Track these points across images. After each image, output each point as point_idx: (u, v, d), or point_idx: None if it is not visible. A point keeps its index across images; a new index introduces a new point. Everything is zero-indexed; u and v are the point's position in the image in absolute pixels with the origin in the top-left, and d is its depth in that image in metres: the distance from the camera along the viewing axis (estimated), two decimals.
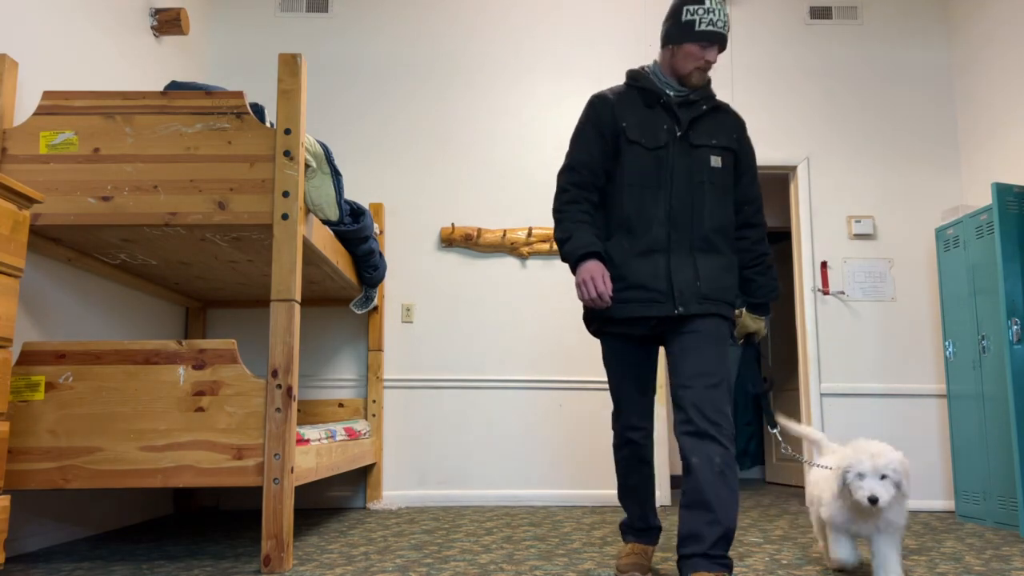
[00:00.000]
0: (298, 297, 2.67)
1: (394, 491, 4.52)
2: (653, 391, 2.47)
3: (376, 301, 4.49)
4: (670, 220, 2.28)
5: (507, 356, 4.67)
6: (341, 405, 4.52)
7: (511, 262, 4.75)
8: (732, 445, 2.13)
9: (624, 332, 2.37)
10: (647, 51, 4.94)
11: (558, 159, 4.84)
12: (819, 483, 2.51)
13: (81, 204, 2.69)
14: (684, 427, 2.15)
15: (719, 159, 2.34)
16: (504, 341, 4.68)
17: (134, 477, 2.53)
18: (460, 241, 4.71)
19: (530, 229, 4.72)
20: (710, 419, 2.12)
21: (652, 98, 2.38)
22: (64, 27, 3.32)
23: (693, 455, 2.10)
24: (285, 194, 2.68)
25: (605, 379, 4.65)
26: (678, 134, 2.33)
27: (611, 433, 4.22)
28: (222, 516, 4.11)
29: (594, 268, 2.24)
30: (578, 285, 2.26)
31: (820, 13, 4.98)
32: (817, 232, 4.76)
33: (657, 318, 2.29)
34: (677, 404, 2.19)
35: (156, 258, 3.26)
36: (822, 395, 4.60)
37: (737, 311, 2.41)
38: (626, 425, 2.45)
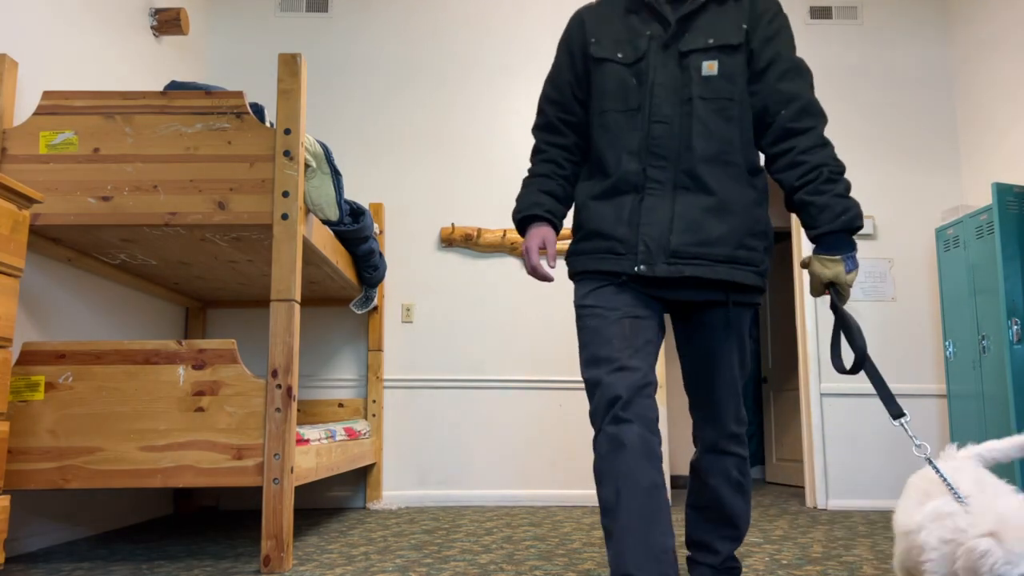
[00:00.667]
0: (298, 297, 2.67)
1: (394, 491, 4.52)
2: (652, 355, 1.79)
3: (376, 301, 4.49)
4: (647, 151, 1.80)
5: (507, 356, 4.67)
6: (341, 405, 4.52)
7: (511, 262, 4.75)
8: (747, 448, 1.98)
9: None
10: None
11: None
12: (926, 525, 1.55)
13: (81, 204, 2.69)
14: (703, 440, 1.96)
15: (714, 64, 1.80)
16: (504, 341, 4.68)
17: (134, 477, 2.54)
18: (460, 241, 4.71)
19: None
20: (731, 432, 1.94)
21: (635, 1, 1.89)
22: (64, 27, 3.32)
23: (710, 474, 1.94)
24: (285, 194, 2.68)
25: None
26: (663, 40, 1.83)
27: None
28: (222, 516, 4.11)
29: (531, 237, 1.90)
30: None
31: (820, 13, 4.98)
32: None
33: (628, 275, 1.81)
34: (697, 408, 1.97)
35: (156, 258, 3.26)
36: (822, 395, 4.60)
37: (805, 258, 1.85)
38: (603, 392, 1.72)
